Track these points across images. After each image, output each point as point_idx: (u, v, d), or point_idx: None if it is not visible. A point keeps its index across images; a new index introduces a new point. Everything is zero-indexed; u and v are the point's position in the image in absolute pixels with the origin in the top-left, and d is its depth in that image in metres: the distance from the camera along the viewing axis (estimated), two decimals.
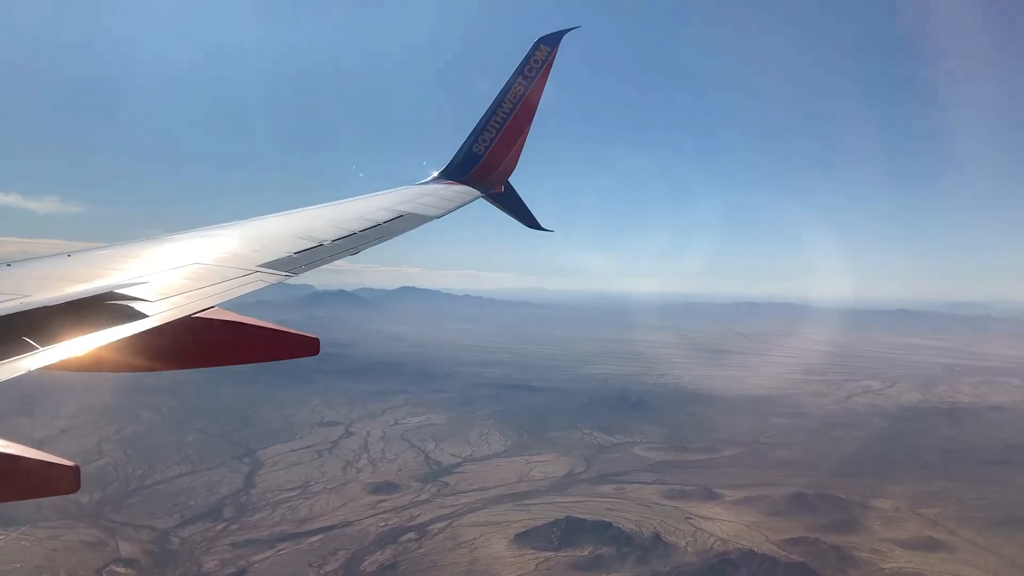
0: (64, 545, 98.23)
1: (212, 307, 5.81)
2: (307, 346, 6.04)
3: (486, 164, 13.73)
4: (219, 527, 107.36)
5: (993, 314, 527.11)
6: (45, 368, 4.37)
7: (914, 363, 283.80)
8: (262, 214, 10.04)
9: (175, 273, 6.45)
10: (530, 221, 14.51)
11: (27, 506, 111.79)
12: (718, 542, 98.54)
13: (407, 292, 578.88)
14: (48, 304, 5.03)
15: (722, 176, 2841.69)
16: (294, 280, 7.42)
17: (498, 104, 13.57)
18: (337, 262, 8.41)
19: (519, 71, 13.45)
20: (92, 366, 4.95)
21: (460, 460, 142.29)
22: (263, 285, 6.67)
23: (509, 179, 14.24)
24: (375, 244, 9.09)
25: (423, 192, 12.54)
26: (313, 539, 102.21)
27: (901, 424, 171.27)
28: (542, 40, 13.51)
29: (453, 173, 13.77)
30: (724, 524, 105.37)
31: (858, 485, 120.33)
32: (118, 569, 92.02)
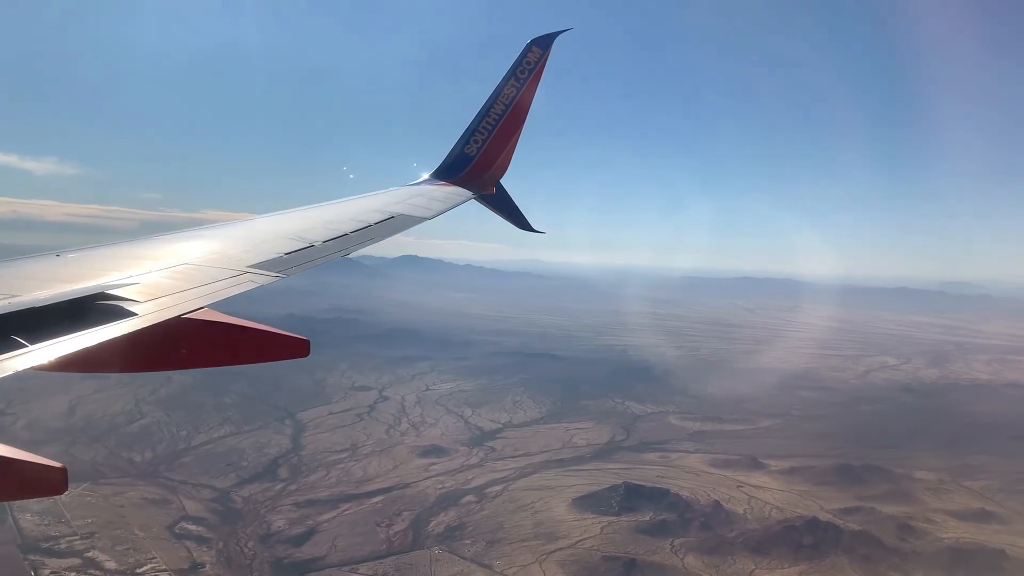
0: (129, 502, 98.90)
1: (202, 308, 5.77)
2: (297, 348, 5.98)
3: (478, 165, 13.71)
4: (278, 487, 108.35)
5: (992, 293, 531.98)
6: (35, 368, 4.36)
7: (924, 340, 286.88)
8: (254, 211, 10.19)
9: (165, 273, 6.45)
10: (521, 222, 14.46)
11: (86, 463, 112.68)
12: (775, 510, 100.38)
13: (408, 260, 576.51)
14: (37, 304, 5.01)
15: (719, 152, 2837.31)
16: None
17: (490, 106, 13.51)
18: None
19: (511, 73, 13.41)
20: (82, 366, 4.83)
21: (500, 426, 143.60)
22: (253, 286, 6.68)
23: (501, 181, 14.21)
24: (367, 245, 9.13)
25: (415, 193, 12.57)
26: (374, 500, 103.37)
27: (926, 399, 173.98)
28: (534, 42, 13.48)
29: (445, 174, 13.78)
30: (776, 493, 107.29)
31: (897, 457, 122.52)
32: (189, 526, 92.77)
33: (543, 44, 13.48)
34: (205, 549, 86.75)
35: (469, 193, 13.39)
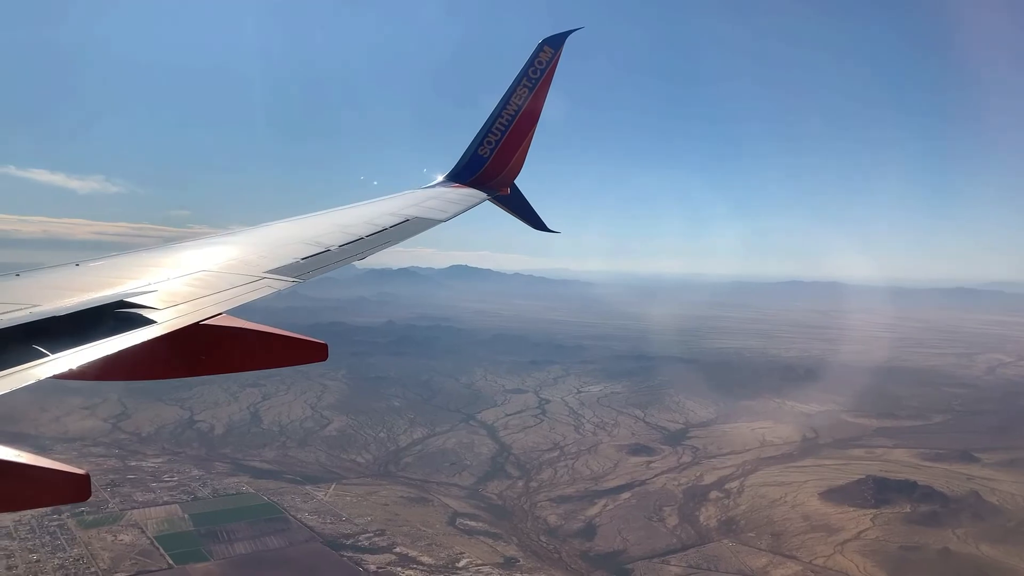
0: (387, 500, 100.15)
1: (220, 314, 5.76)
2: (315, 352, 5.84)
3: (492, 166, 13.60)
4: (519, 484, 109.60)
5: None
6: (57, 376, 4.35)
7: (1019, 338, 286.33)
8: (273, 219, 10.13)
9: (183, 280, 6.43)
10: (536, 223, 14.31)
11: (314, 465, 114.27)
12: None
13: (459, 271, 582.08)
14: (59, 313, 5.02)
15: (748, 157, 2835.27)
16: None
17: (503, 107, 13.38)
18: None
19: (523, 73, 13.29)
20: (103, 374, 4.83)
21: (682, 426, 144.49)
22: (270, 291, 6.59)
23: (515, 181, 14.14)
24: (382, 249, 9.03)
25: (429, 196, 12.51)
26: (624, 495, 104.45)
27: None
28: (546, 41, 13.33)
29: (459, 176, 13.71)
30: (1015, 485, 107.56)
31: None
32: (468, 522, 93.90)
33: (555, 44, 13.30)
34: (503, 544, 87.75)
35: (483, 195, 13.22)
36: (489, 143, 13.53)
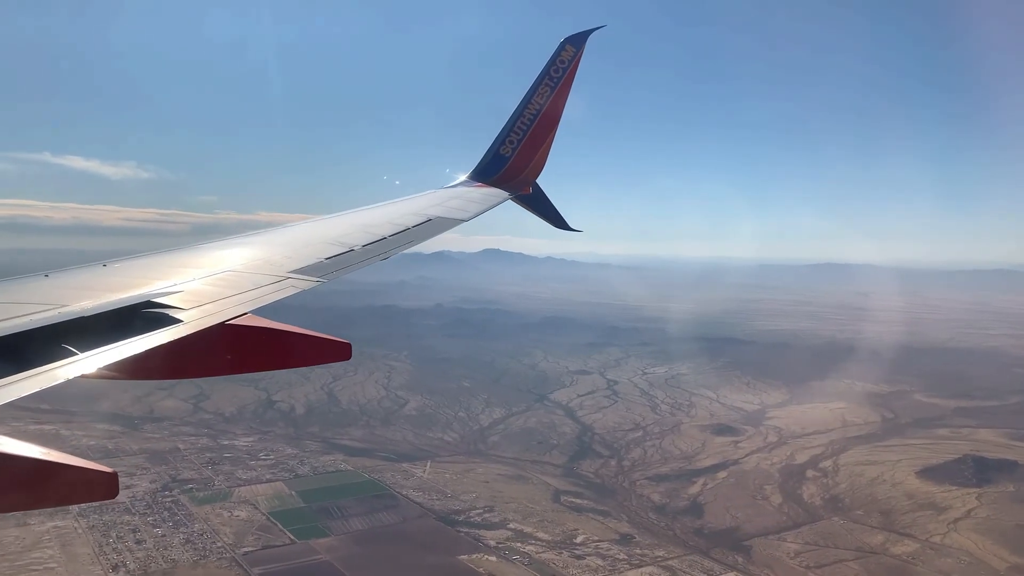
0: (485, 478, 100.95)
1: (245, 314, 5.78)
2: (339, 351, 5.82)
3: (514, 166, 13.57)
4: (611, 463, 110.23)
5: None
6: (84, 376, 4.38)
7: None
8: (306, 213, 10.41)
9: (208, 281, 6.45)
10: (559, 222, 14.26)
11: (404, 443, 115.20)
12: None
13: (491, 254, 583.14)
14: (86, 313, 5.05)
15: (765, 140, 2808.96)
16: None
17: (524, 106, 13.35)
18: None
19: (545, 72, 13.21)
20: (130, 373, 4.91)
21: (759, 407, 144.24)
22: (295, 291, 6.60)
23: (537, 180, 14.11)
24: (405, 248, 9.09)
25: (452, 195, 12.51)
26: (720, 474, 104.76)
27: None
28: (568, 40, 13.25)
29: (481, 175, 13.66)
30: None
31: None
32: (574, 500, 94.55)
33: (577, 42, 13.26)
34: (613, 521, 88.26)
35: (505, 194, 13.23)
36: (511, 142, 13.51)
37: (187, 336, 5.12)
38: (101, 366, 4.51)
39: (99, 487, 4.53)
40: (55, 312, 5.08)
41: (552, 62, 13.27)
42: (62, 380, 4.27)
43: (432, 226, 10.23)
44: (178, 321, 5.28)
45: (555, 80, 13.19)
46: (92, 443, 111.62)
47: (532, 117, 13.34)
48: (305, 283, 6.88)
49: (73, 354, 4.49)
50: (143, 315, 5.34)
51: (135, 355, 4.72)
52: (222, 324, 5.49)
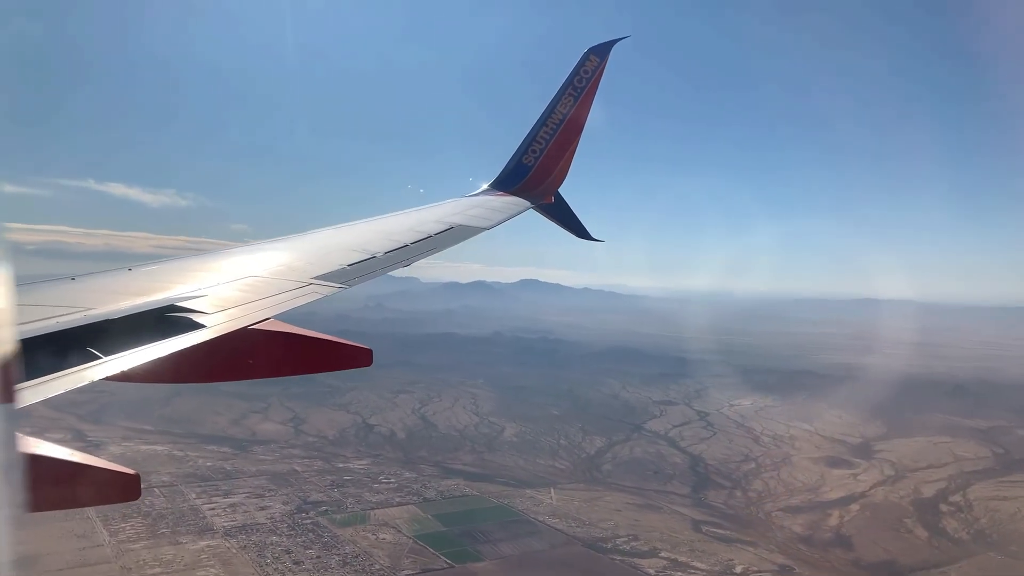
0: (616, 506, 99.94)
1: (268, 318, 5.79)
2: (360, 357, 5.82)
3: (536, 175, 13.55)
4: (736, 494, 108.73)
5: None
6: (109, 378, 4.38)
7: None
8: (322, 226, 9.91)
9: (232, 286, 6.46)
10: (580, 231, 14.19)
11: (516, 468, 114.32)
12: None
13: (530, 284, 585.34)
14: (112, 317, 5.09)
15: (792, 175, 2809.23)
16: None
17: (547, 116, 13.35)
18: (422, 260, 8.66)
19: (568, 82, 13.21)
20: (154, 376, 4.89)
21: (861, 439, 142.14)
22: (317, 297, 6.60)
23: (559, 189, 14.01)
24: (426, 256, 8.99)
25: (473, 204, 12.46)
26: (852, 506, 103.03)
27: None
28: (592, 50, 13.21)
29: (503, 184, 13.62)
30: None
31: None
32: (715, 530, 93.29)
33: (600, 53, 13.25)
34: (764, 551, 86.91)
35: (527, 203, 13.20)
36: (534, 151, 13.54)
37: (211, 340, 5.20)
38: (126, 368, 4.56)
39: (124, 488, 4.73)
40: (81, 315, 5.15)
41: (576, 72, 13.33)
42: (87, 382, 4.33)
43: (454, 234, 10.25)
44: (202, 326, 5.34)
45: (578, 90, 13.30)
46: (210, 464, 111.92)
47: (555, 126, 13.43)
48: (327, 289, 6.95)
49: (99, 357, 4.55)
50: (168, 319, 5.40)
51: (160, 358, 4.80)
52: (246, 328, 5.56)
